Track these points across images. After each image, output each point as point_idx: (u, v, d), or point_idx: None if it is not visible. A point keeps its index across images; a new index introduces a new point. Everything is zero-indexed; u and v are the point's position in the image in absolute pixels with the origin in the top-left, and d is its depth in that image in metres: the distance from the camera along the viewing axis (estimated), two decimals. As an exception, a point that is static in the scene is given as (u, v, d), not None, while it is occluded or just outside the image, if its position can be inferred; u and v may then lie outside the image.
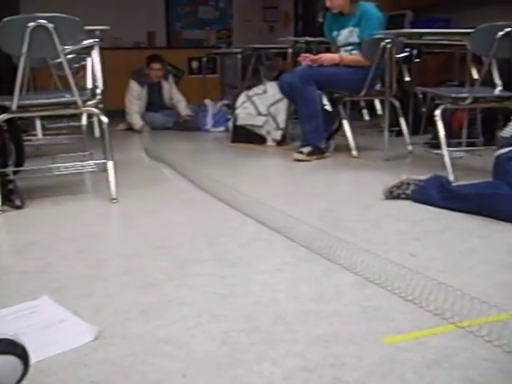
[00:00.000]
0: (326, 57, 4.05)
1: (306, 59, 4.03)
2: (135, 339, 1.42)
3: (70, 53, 2.93)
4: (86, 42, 3.07)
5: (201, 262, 1.99)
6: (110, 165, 2.92)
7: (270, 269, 1.90)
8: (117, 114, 5.53)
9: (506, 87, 3.64)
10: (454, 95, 3.42)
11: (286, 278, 1.83)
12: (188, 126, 6.02)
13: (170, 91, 6.36)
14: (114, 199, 2.85)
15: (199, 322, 1.51)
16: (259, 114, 4.82)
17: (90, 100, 2.97)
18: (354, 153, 4.06)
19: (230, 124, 5.29)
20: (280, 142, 4.73)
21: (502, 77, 3.75)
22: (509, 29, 3.19)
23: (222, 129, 5.89)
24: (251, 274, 1.86)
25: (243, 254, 2.08)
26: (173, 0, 8.86)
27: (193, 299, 1.66)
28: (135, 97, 6.09)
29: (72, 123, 4.94)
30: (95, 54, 3.17)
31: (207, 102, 6.21)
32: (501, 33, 3.20)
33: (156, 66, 6.17)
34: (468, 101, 3.33)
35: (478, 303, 1.57)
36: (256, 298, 1.66)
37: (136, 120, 6.04)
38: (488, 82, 3.70)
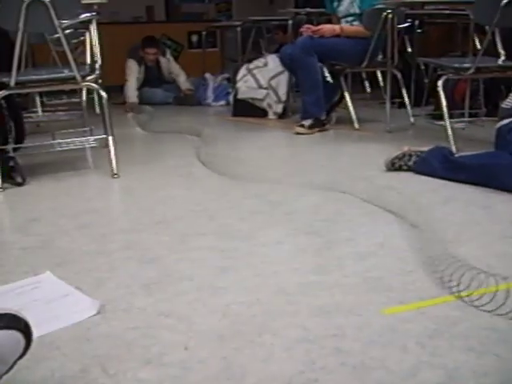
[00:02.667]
0: (327, 28, 4.01)
1: (307, 30, 3.99)
2: (137, 313, 1.43)
3: (67, 28, 2.90)
4: (84, 16, 3.03)
5: (201, 235, 1.99)
6: (111, 140, 2.91)
7: (270, 241, 1.90)
8: (116, 89, 5.49)
9: (509, 57, 3.60)
10: (456, 65, 3.39)
11: (287, 250, 1.83)
12: (189, 101, 5.98)
13: (169, 66, 6.30)
14: (116, 174, 2.84)
15: (200, 295, 1.51)
16: (260, 87, 4.78)
17: (89, 75, 2.94)
18: (356, 125, 4.03)
19: (231, 98, 5.25)
20: (281, 115, 4.70)
21: (505, 46, 3.71)
22: (512, -3, 3.15)
23: (222, 103, 5.84)
24: (251, 247, 1.86)
25: (243, 227, 2.08)
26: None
27: (193, 273, 1.66)
28: (134, 72, 6.03)
29: (71, 99, 4.92)
30: (93, 29, 3.14)
31: (207, 76, 6.16)
32: (505, 1, 3.15)
33: (151, 50, 6.10)
34: (471, 71, 3.30)
35: (478, 273, 1.57)
36: (256, 271, 1.66)
37: (131, 93, 5.95)
38: (491, 51, 3.66)
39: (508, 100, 2.69)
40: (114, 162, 2.86)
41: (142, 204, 2.44)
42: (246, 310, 1.42)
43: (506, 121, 2.62)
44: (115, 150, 2.89)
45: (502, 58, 3.63)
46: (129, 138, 4.18)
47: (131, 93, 5.95)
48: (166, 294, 1.53)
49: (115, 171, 2.85)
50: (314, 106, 3.97)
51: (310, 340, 1.27)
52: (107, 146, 2.92)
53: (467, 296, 1.46)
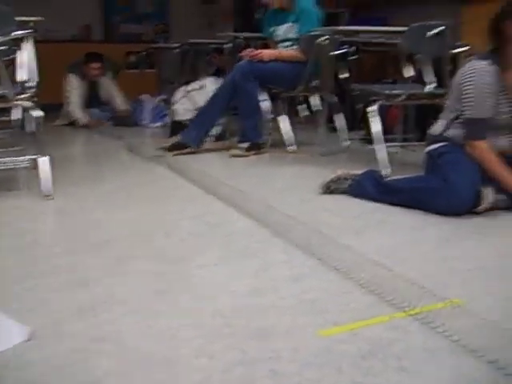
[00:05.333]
0: (266, 52, 4.07)
1: (248, 55, 4.04)
2: (69, 339, 1.39)
3: (0, 44, 2.83)
4: (17, 34, 2.97)
5: (138, 258, 1.97)
6: (43, 160, 2.84)
7: (207, 264, 1.90)
8: (52, 108, 5.38)
9: (437, 84, 3.75)
10: (388, 92, 3.50)
11: (224, 272, 1.83)
12: (125, 122, 5.92)
13: (108, 87, 6.24)
14: (49, 196, 2.77)
15: (136, 319, 1.49)
16: (197, 109, 4.78)
17: (21, 93, 2.88)
18: (292, 148, 4.09)
19: (168, 119, 5.24)
20: (218, 138, 4.71)
21: (433, 74, 3.86)
22: (439, 28, 3.29)
23: (159, 124, 5.82)
24: (188, 270, 1.85)
25: (181, 248, 2.07)
26: (110, -7, 8.70)
27: (130, 296, 1.63)
28: (76, 89, 5.93)
29: (3, 118, 4.79)
30: (29, 46, 3.07)
31: (145, 97, 6.13)
32: (432, 32, 3.29)
33: (95, 65, 6.03)
34: (402, 97, 3.42)
35: (411, 294, 1.61)
36: (193, 294, 1.65)
37: (80, 115, 5.87)
38: (421, 79, 3.80)
39: (436, 126, 2.79)
40: (46, 182, 2.79)
41: (77, 226, 2.39)
42: (183, 333, 1.41)
43: (434, 145, 2.72)
44: (51, 170, 2.82)
45: (431, 85, 3.77)
46: (70, 158, 4.10)
47: (79, 115, 5.85)
48: (99, 319, 1.49)
49: (48, 193, 2.77)
50: (252, 131, 4.01)
51: (246, 362, 1.27)
52: (36, 167, 2.84)
53: (401, 316, 1.49)
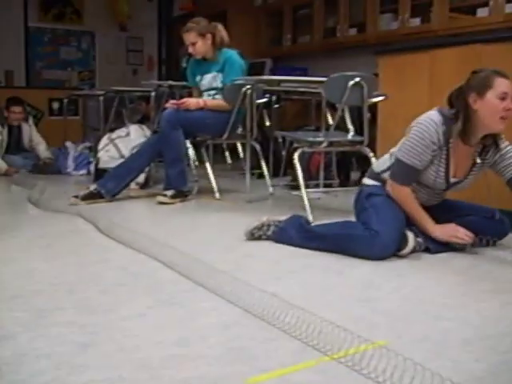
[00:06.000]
0: (192, 101, 4.12)
1: (172, 105, 4.08)
2: (-13, 397, 1.33)
3: None
4: None
5: (60, 310, 1.91)
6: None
7: (132, 314, 1.87)
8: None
9: (357, 132, 3.89)
10: (310, 139, 3.60)
11: (150, 322, 1.80)
12: (48, 169, 5.81)
13: (30, 133, 6.13)
14: (-35, 247, 2.67)
15: (58, 374, 1.44)
16: (122, 157, 4.75)
17: None
18: (217, 195, 4.12)
19: (92, 167, 5.17)
20: (143, 185, 4.69)
21: (353, 122, 4.01)
22: (358, 79, 3.44)
23: (83, 172, 5.74)
24: (113, 321, 1.81)
25: (105, 300, 2.02)
26: (33, 39, 8.61)
27: (51, 350, 1.58)
28: None
29: None
30: None
31: (68, 144, 6.05)
32: (351, 82, 3.43)
33: (17, 109, 5.93)
34: (324, 144, 3.52)
35: (339, 337, 1.64)
36: (118, 346, 1.61)
37: None
38: (342, 127, 3.94)
39: (380, 162, 2.80)
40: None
41: (-5, 278, 2.30)
42: (107, 387, 1.37)
43: (370, 181, 2.76)
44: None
45: (351, 133, 3.92)
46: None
47: None
48: (19, 375, 1.43)
49: (-35, 244, 2.67)
50: (177, 179, 4.02)
51: (173, 415, 1.25)
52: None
53: (328, 360, 1.51)
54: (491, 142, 2.57)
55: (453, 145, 2.54)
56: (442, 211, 2.66)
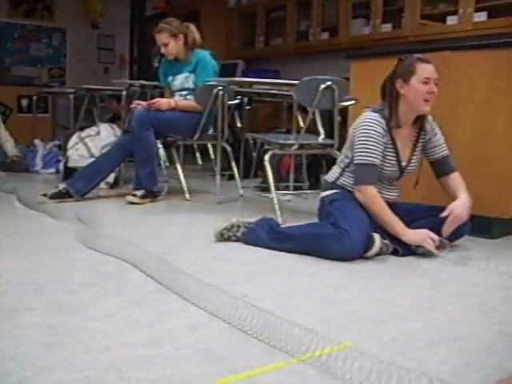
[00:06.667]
0: (163, 101, 4.11)
1: (138, 106, 4.06)
2: (-49, 398, 1.31)
3: None
4: None
5: (27, 310, 1.88)
6: None
7: (101, 315, 1.85)
8: None
9: (328, 135, 3.92)
10: (281, 141, 3.62)
11: (118, 323, 1.79)
12: (15, 167, 5.73)
13: (-3, 130, 6.04)
14: None
15: (24, 376, 1.42)
16: (92, 156, 4.71)
17: None
18: (187, 196, 4.11)
19: (61, 165, 5.12)
20: (113, 185, 4.66)
21: (324, 126, 4.05)
22: (329, 82, 3.47)
23: (52, 170, 5.68)
24: (81, 322, 1.79)
25: (73, 300, 2.00)
26: (2, 34, 8.48)
27: (17, 351, 1.56)
28: None
29: None
30: None
31: (37, 142, 5.97)
32: (323, 85, 3.45)
33: None
34: (294, 147, 3.54)
35: (306, 339, 1.65)
36: (86, 347, 1.60)
37: None
38: (312, 130, 3.97)
39: (330, 173, 2.91)
40: None
41: (-40, 278, 2.26)
42: (75, 388, 1.36)
43: (327, 192, 2.84)
44: None
45: (322, 136, 3.95)
46: None
47: None
48: (-15, 376, 1.42)
49: None
50: (147, 179, 4.00)
51: (141, 416, 1.25)
52: None
53: (296, 361, 1.52)
54: (421, 124, 2.80)
55: (394, 131, 2.73)
56: (403, 214, 2.71)
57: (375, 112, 2.72)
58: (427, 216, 2.77)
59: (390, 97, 2.72)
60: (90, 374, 1.43)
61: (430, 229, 2.63)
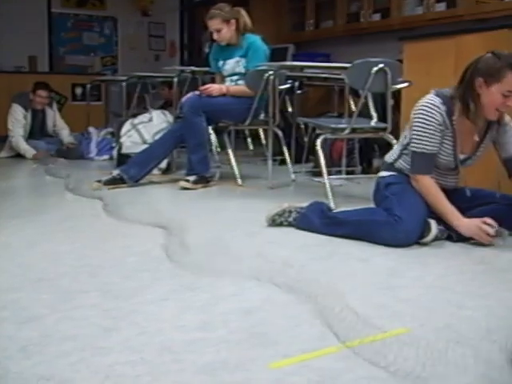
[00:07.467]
0: (215, 87, 4.11)
1: (205, 91, 4.06)
2: (14, 378, 1.35)
3: None
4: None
5: (84, 293, 1.93)
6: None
7: (155, 299, 1.88)
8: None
9: (380, 119, 3.86)
10: (333, 126, 3.58)
11: (172, 307, 1.82)
12: (71, 154, 5.86)
13: (54, 118, 6.19)
14: (-9, 230, 2.71)
15: (82, 356, 1.46)
16: (144, 142, 4.78)
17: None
18: (239, 181, 4.12)
19: (115, 152, 5.20)
20: (165, 171, 4.71)
21: (376, 109, 3.98)
22: (382, 65, 3.40)
23: (106, 157, 5.78)
24: (136, 305, 1.83)
25: (128, 284, 2.04)
26: (56, 25, 8.66)
27: (76, 332, 1.60)
28: (19, 120, 5.85)
29: None
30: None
31: (91, 129, 6.09)
32: (375, 68, 3.40)
33: (43, 93, 5.98)
34: (346, 131, 3.50)
35: (359, 324, 1.64)
36: (141, 329, 1.63)
37: (24, 146, 5.79)
38: (365, 113, 3.91)
39: (391, 152, 2.83)
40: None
41: (20, 260, 2.33)
42: (130, 370, 1.39)
43: (385, 173, 2.77)
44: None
45: (375, 119, 3.89)
46: (11, 190, 4.01)
47: (23, 146, 5.77)
48: (46, 356, 1.46)
49: (-10, 227, 2.71)
50: (199, 165, 4.03)
51: (196, 398, 1.26)
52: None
53: (349, 347, 1.51)
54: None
55: (457, 122, 2.56)
56: (464, 200, 2.64)
57: (438, 97, 2.55)
58: (490, 203, 2.67)
59: (465, 88, 2.52)
60: (144, 356, 1.46)
61: (492, 217, 2.51)
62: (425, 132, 2.55)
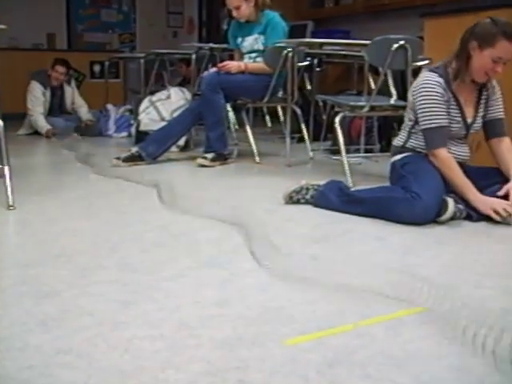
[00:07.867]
0: (233, 64, 4.09)
1: (223, 67, 4.04)
2: (33, 351, 1.37)
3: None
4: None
5: (102, 269, 1.95)
6: (7, 170, 2.80)
7: (173, 275, 1.90)
8: (15, 117, 5.31)
9: (400, 97, 3.82)
10: (352, 103, 3.55)
11: (190, 283, 1.83)
12: (90, 132, 5.89)
13: (73, 96, 6.20)
14: (11, 206, 2.73)
15: (101, 330, 1.48)
16: (162, 119, 4.78)
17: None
18: (257, 159, 4.12)
19: (133, 129, 5.22)
20: (183, 148, 4.72)
21: (396, 87, 3.94)
22: (402, 42, 3.36)
23: (124, 134, 5.80)
24: (154, 281, 1.84)
25: (146, 259, 2.06)
26: (74, 2, 8.64)
27: (94, 307, 1.62)
28: (38, 98, 5.87)
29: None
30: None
31: (109, 106, 6.10)
32: (395, 45, 3.35)
33: (60, 68, 5.98)
34: (365, 109, 3.47)
35: (376, 302, 1.64)
36: (159, 305, 1.64)
37: (42, 123, 5.82)
38: (384, 91, 3.87)
39: (398, 138, 2.85)
40: (9, 193, 2.75)
41: (40, 237, 2.36)
42: (149, 344, 1.41)
43: (398, 156, 2.78)
44: (13, 180, 2.78)
45: (394, 97, 3.85)
46: (30, 168, 4.05)
47: (41, 123, 5.80)
48: (64, 331, 1.48)
49: (11, 203, 2.73)
50: (217, 142, 4.02)
51: (213, 373, 1.27)
52: (2, 176, 2.81)
53: (365, 325, 1.52)
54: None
55: (456, 88, 2.64)
56: (479, 177, 2.62)
57: (433, 72, 2.64)
58: (506, 180, 2.65)
59: (460, 51, 2.61)
60: (162, 331, 1.48)
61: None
62: (431, 107, 2.59)
